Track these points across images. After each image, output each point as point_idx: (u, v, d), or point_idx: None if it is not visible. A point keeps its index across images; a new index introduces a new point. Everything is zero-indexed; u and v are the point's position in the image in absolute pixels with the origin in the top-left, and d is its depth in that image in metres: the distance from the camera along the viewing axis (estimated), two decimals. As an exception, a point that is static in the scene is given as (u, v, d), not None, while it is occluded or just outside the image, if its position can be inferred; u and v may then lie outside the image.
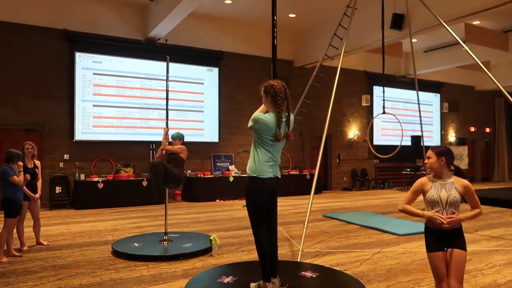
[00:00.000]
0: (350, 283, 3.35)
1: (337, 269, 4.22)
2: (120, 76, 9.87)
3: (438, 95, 16.08)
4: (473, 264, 4.70)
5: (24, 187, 5.15)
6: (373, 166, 14.19)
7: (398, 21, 9.12)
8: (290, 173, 11.88)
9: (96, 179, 9.18)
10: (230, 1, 9.74)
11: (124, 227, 6.86)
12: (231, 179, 10.61)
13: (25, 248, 5.31)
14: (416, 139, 12.99)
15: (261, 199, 3.16)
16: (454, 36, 6.82)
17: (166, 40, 10.35)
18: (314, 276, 3.54)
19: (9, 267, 4.54)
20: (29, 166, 5.36)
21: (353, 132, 13.81)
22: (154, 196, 5.31)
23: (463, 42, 10.82)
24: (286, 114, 3.20)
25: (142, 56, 10.12)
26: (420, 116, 9.09)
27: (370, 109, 14.11)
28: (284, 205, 9.58)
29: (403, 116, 14.29)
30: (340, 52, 7.15)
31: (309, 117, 10.74)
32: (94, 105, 9.55)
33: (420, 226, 2.82)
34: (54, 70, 9.23)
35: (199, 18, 10.53)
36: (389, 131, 14.10)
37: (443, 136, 16.15)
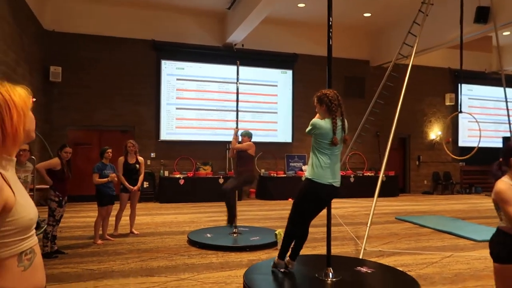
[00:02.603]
0: (404, 282, 3.35)
1: (400, 269, 4.19)
2: (200, 81, 10.63)
3: (538, 92, 14.45)
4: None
5: (124, 179, 5.90)
6: (458, 169, 13.27)
7: (483, 14, 8.51)
8: (365, 174, 11.66)
9: (178, 176, 10.00)
10: (303, 5, 9.92)
11: (200, 220, 7.43)
12: (304, 178, 10.75)
13: (117, 233, 6.07)
14: (507, 141, 11.87)
15: (312, 202, 3.32)
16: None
17: (243, 45, 10.87)
18: (369, 271, 3.60)
19: (103, 248, 5.28)
20: (130, 162, 6.09)
21: (434, 133, 13.07)
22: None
23: None
24: (341, 119, 3.32)
25: (220, 61, 10.77)
26: (508, 115, 8.35)
27: (455, 108, 13.20)
28: (356, 206, 9.49)
29: (494, 116, 13.20)
30: (413, 51, 6.91)
31: (387, 117, 10.43)
32: (177, 108, 10.41)
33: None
34: (143, 77, 10.27)
35: (273, 23, 10.87)
36: (476, 131, 13.05)
37: (544, 138, 14.47)
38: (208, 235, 5.74)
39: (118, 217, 6.09)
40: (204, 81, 10.67)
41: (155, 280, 4.03)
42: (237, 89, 5.98)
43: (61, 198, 4.92)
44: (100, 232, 5.68)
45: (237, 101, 5.96)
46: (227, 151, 10.72)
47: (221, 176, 10.23)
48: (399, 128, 10.54)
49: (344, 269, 3.46)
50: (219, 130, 10.73)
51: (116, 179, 5.71)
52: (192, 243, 5.49)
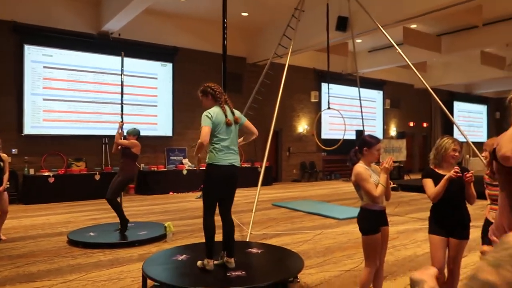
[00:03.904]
0: (289, 256, 3.83)
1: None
2: (72, 70, 9.79)
3: (381, 92, 17.22)
4: (399, 240, 5.39)
5: None
6: (321, 158, 15.00)
7: (343, 24, 9.80)
8: (243, 166, 12.33)
9: (46, 174, 9.10)
10: (184, -2, 9.95)
11: (78, 220, 6.96)
12: (185, 172, 10.88)
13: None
14: (359, 133, 13.90)
15: (215, 185, 3.44)
16: (389, 39, 7.53)
17: (120, 35, 10.36)
18: (259, 252, 4.00)
19: (-36, 258, 4.60)
20: None
21: (302, 126, 14.51)
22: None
23: (402, 44, 11.82)
24: (228, 105, 3.58)
25: (94, 50, 10.09)
26: (361, 112, 9.83)
27: (318, 104, 14.86)
28: (237, 196, 9.98)
29: (349, 112, 15.23)
30: (289, 51, 7.63)
31: (262, 112, 11.19)
32: (44, 99, 9.42)
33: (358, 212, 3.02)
34: (1, 63, 8.99)
35: (154, 14, 10.64)
36: (336, 125, 14.94)
37: (385, 131, 17.33)
38: (91, 234, 5.48)
39: None
40: (77, 71, 9.86)
41: (37, 285, 3.74)
42: (122, 82, 5.79)
43: None
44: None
45: (122, 93, 5.77)
46: (104, 145, 10.16)
47: (97, 173, 9.66)
48: (272, 122, 11.47)
49: (237, 252, 3.76)
50: (94, 124, 10.08)
51: None
52: (73, 243, 5.17)
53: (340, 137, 9.41)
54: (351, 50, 14.42)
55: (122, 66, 5.81)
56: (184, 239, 5.46)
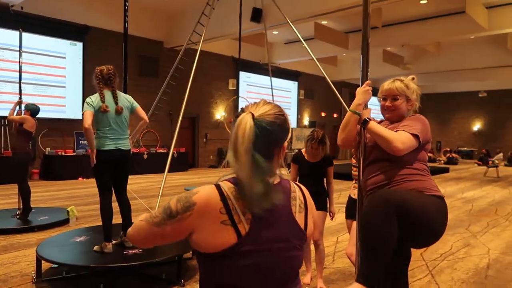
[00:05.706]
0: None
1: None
2: (-37, 43, 8.88)
3: (296, 83, 18.09)
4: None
5: None
6: (238, 145, 15.42)
7: (257, 15, 10.15)
8: (158, 151, 12.25)
9: None
10: (95, -25, 9.51)
11: (-30, 206, 6.48)
12: (96, 157, 10.52)
13: None
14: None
15: (103, 169, 3.51)
16: (296, 34, 8.02)
17: (22, 8, 9.58)
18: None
19: None
20: None
21: (220, 113, 14.75)
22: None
23: (313, 38, 12.58)
24: (112, 92, 3.59)
25: (-9, 23, 9.23)
26: (273, 101, 10.31)
27: (236, 92, 15.16)
28: (150, 181, 10.00)
29: (265, 101, 15.81)
30: (201, 39, 7.74)
31: (179, 97, 11.15)
32: None
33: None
34: None
35: (61, -12, 10.00)
36: (252, 113, 15.42)
37: (299, 120, 18.30)
38: (-16, 220, 5.19)
39: None
40: (-31, 44, 8.96)
41: None
42: (20, 59, 5.52)
43: None
44: None
45: (20, 71, 5.50)
46: (3, 127, 9.42)
47: (-5, 156, 8.96)
48: (189, 108, 11.50)
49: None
50: (-9, 103, 9.29)
51: None
52: (-38, 231, 4.86)
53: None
54: (269, 40, 14.96)
55: (20, 43, 5.51)
56: (89, 223, 5.41)
